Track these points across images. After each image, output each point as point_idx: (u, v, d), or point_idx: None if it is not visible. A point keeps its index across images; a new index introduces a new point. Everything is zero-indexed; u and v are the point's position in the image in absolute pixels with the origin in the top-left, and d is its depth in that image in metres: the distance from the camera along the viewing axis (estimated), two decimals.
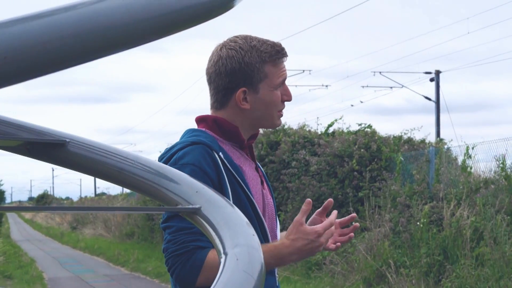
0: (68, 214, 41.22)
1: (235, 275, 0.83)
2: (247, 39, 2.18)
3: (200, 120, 2.24)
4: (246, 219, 0.98)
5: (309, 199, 2.14)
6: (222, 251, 0.90)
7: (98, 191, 56.41)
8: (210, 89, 2.23)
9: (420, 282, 9.12)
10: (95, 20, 0.75)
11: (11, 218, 59.14)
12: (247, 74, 2.15)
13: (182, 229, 2.01)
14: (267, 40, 2.19)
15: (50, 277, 14.79)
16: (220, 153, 2.12)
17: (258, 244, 0.91)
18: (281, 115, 2.24)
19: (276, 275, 2.26)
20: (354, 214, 2.42)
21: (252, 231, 0.95)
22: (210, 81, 2.21)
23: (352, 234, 2.34)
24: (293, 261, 2.12)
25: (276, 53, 2.17)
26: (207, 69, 2.21)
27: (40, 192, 78.16)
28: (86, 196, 55.27)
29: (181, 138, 2.22)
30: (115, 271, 16.04)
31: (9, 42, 0.70)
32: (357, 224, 2.40)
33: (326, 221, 2.13)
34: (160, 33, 0.83)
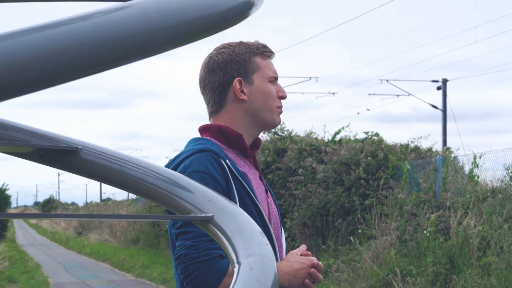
0: (73, 219, 41.27)
1: (249, 284, 0.83)
2: (231, 41, 2.27)
3: (203, 129, 2.25)
4: (259, 228, 0.98)
5: (304, 245, 2.24)
6: (235, 260, 0.90)
7: (103, 197, 56.48)
8: (205, 95, 2.25)
9: None
10: (113, 29, 0.75)
11: (17, 222, 59.25)
12: (240, 63, 2.20)
13: (202, 236, 2.01)
14: (252, 40, 2.29)
15: (55, 282, 14.80)
16: (227, 160, 2.13)
17: (271, 253, 0.91)
18: (281, 112, 2.27)
19: None
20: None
21: (265, 240, 0.95)
22: (205, 85, 2.23)
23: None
24: (287, 283, 2.14)
25: (262, 47, 2.24)
26: (200, 77, 2.26)
27: (46, 197, 78.27)
28: (91, 202, 55.32)
29: (186, 147, 2.23)
30: (120, 277, 16.03)
31: (28, 50, 0.70)
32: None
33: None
34: (177, 42, 0.83)
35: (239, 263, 0.89)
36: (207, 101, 2.25)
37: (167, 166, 2.19)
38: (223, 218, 1.02)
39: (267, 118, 2.23)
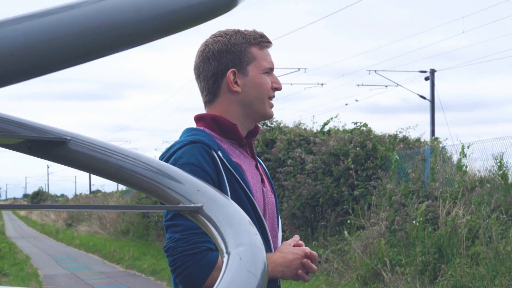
0: (63, 211, 41.17)
1: (238, 274, 0.83)
2: (230, 28, 2.23)
3: (198, 118, 2.24)
4: (248, 218, 0.98)
5: (297, 236, 2.25)
6: (224, 250, 0.90)
7: (93, 189, 56.36)
8: (199, 83, 2.23)
9: (415, 281, 9.14)
10: (101, 18, 0.75)
11: (6, 215, 59.06)
12: (235, 54, 2.17)
13: (191, 228, 2.00)
14: (249, 29, 2.25)
15: (45, 274, 14.78)
16: (219, 152, 2.12)
17: (261, 243, 0.91)
18: (272, 105, 2.24)
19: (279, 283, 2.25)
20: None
21: (254, 230, 0.95)
22: (199, 72, 2.21)
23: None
24: (279, 274, 2.14)
25: (260, 36, 2.21)
26: (195, 64, 2.23)
27: (35, 189, 78.01)
28: (81, 194, 55.21)
29: (180, 137, 2.21)
30: (110, 269, 16.02)
31: (15, 39, 0.70)
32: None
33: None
34: (165, 31, 0.83)
35: (228, 253, 0.89)
36: (201, 90, 2.23)
37: (162, 155, 2.18)
38: (212, 208, 1.02)
39: (260, 110, 2.21)
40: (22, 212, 65.77)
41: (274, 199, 2.29)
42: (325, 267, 11.00)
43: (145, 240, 20.31)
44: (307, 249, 2.16)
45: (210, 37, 2.21)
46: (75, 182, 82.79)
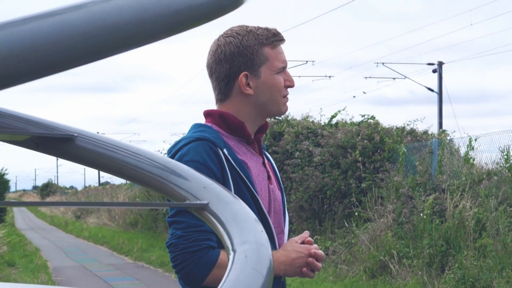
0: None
1: (244, 272, 0.83)
2: (242, 26, 2.20)
3: (207, 114, 2.23)
4: (254, 216, 0.98)
5: (307, 232, 2.24)
6: (230, 247, 0.90)
7: (102, 181, 56.50)
8: (212, 81, 2.22)
9: (422, 273, 9.14)
10: (106, 19, 0.76)
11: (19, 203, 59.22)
12: (247, 57, 2.15)
13: (192, 226, 2.00)
14: (262, 26, 2.22)
15: (54, 266, 14.85)
16: (225, 150, 2.12)
17: (266, 240, 0.91)
18: (287, 101, 2.23)
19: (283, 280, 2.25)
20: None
21: (260, 227, 0.96)
22: (212, 72, 2.20)
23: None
24: (282, 272, 2.14)
25: (272, 35, 2.18)
26: (207, 62, 2.21)
27: (45, 181, 78.27)
28: (90, 186, 55.37)
29: (188, 132, 2.21)
30: (119, 260, 16.09)
31: (21, 40, 0.70)
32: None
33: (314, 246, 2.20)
34: (171, 31, 0.83)
35: (234, 251, 0.89)
36: (214, 88, 2.22)
37: (170, 150, 2.18)
38: (218, 206, 1.02)
39: (273, 110, 2.20)
40: None
41: (280, 196, 2.28)
42: (332, 259, 11.01)
43: (153, 232, 20.37)
44: (312, 248, 2.15)
45: (222, 36, 2.18)
46: (84, 174, 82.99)
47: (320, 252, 2.17)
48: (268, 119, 2.36)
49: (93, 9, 0.76)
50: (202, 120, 2.26)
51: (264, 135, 12.05)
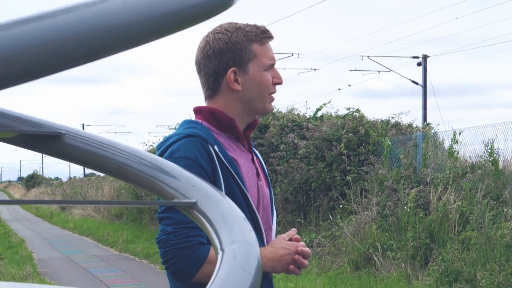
0: (57, 194, 41.17)
1: (232, 272, 0.84)
2: (231, 23, 2.21)
3: (197, 111, 2.24)
4: (242, 215, 0.99)
5: (294, 229, 2.25)
6: (219, 247, 0.91)
7: (87, 172, 56.28)
8: (200, 78, 2.23)
9: (406, 265, 9.20)
10: (97, 21, 0.76)
11: (1, 197, 58.93)
12: (235, 53, 2.16)
13: (183, 222, 2.01)
14: (251, 23, 2.23)
15: (39, 258, 14.80)
16: (215, 147, 2.12)
17: (255, 240, 0.92)
18: (273, 99, 2.24)
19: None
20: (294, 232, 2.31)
21: (249, 226, 0.96)
22: (200, 68, 2.21)
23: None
24: (270, 268, 2.15)
25: (261, 32, 2.20)
26: (196, 59, 2.22)
27: (30, 172, 77.90)
28: (75, 177, 55.12)
29: (178, 129, 2.22)
30: (104, 252, 16.06)
31: (11, 43, 0.71)
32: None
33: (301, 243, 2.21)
34: (161, 33, 0.84)
35: (222, 250, 0.90)
36: (202, 85, 2.23)
37: (159, 145, 2.18)
38: (206, 204, 1.03)
39: (259, 107, 2.22)
40: (17, 195, 65.73)
41: (269, 193, 2.30)
42: (317, 251, 11.05)
43: (138, 223, 20.35)
44: (300, 245, 2.17)
45: (211, 32, 2.20)
46: (69, 166, 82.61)
47: (307, 249, 2.18)
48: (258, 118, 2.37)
49: (83, 12, 0.76)
50: (188, 113, 2.27)
51: None
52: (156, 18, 0.81)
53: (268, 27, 2.28)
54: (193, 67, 2.26)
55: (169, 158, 2.07)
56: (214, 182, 2.07)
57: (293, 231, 2.23)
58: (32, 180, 66.06)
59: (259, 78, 2.19)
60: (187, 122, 2.21)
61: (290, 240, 2.20)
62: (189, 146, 2.09)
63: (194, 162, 2.06)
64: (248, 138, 2.26)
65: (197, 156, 2.08)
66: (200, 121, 2.21)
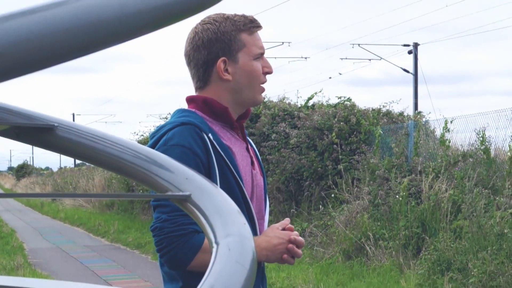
0: (48, 184, 41.08)
1: (227, 266, 0.84)
2: (219, 13, 2.22)
3: (190, 100, 2.23)
4: (237, 207, 0.99)
5: (288, 219, 2.26)
6: (213, 240, 0.91)
7: (77, 162, 56.15)
8: (190, 69, 2.22)
9: (398, 255, 9.23)
10: (89, 15, 0.75)
11: None
12: (225, 43, 2.16)
13: (178, 210, 2.00)
14: (239, 13, 2.24)
15: (30, 248, 14.78)
16: (210, 134, 2.12)
17: (249, 233, 0.92)
18: (263, 90, 2.24)
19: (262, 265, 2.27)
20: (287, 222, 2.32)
21: (243, 219, 0.96)
22: (190, 60, 2.20)
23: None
24: (264, 258, 2.16)
25: (249, 22, 2.20)
26: (185, 50, 2.22)
27: (20, 162, 77.65)
28: (65, 167, 55.02)
29: (171, 117, 2.21)
30: (95, 242, 16.05)
31: (3, 37, 0.70)
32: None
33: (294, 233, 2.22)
34: (154, 26, 0.83)
35: (217, 243, 0.90)
36: (192, 76, 2.23)
37: (153, 134, 2.18)
38: (200, 197, 1.02)
39: (249, 96, 2.21)
40: (7, 185, 65.53)
41: (262, 182, 2.30)
42: (309, 240, 11.08)
43: (129, 213, 20.33)
44: (293, 234, 2.17)
45: (199, 23, 2.20)
46: (60, 156, 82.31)
47: (300, 238, 2.19)
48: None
49: (76, 5, 0.75)
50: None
51: None
52: (149, 11, 0.80)
53: (258, 16, 2.29)
54: (183, 57, 2.26)
55: (163, 146, 2.06)
56: (209, 170, 2.06)
57: (286, 221, 2.24)
58: (23, 170, 65.89)
59: (249, 68, 2.19)
60: (180, 111, 2.21)
61: (284, 229, 2.20)
62: (183, 134, 2.08)
63: (189, 150, 2.06)
64: (242, 127, 2.26)
65: (192, 144, 2.07)
66: (193, 110, 2.20)
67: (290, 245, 2.16)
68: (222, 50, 2.16)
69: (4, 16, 0.72)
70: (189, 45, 2.20)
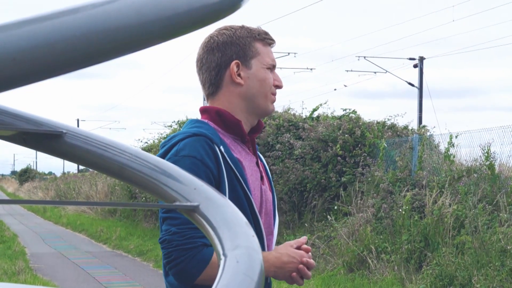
0: (51, 189, 41.10)
1: (235, 278, 0.83)
2: (234, 24, 2.23)
3: (203, 110, 2.23)
4: (245, 219, 0.98)
5: (305, 237, 2.24)
6: (221, 252, 0.90)
7: (81, 167, 56.19)
8: (201, 75, 2.21)
9: (400, 269, 9.20)
10: (104, 22, 0.75)
11: None
12: (239, 46, 2.17)
13: (187, 223, 1.99)
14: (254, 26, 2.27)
15: (32, 253, 14.76)
16: (221, 147, 2.11)
17: (258, 245, 0.91)
18: (274, 100, 2.24)
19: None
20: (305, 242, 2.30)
21: (251, 232, 0.95)
22: (202, 63, 2.20)
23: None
24: (271, 274, 2.13)
25: (264, 33, 2.22)
26: (198, 55, 2.21)
27: (23, 166, 77.74)
28: (69, 172, 55.04)
29: (183, 127, 2.20)
30: (97, 248, 16.03)
31: (17, 43, 0.70)
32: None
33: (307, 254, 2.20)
34: (168, 36, 0.83)
35: (225, 255, 0.89)
36: (203, 82, 2.21)
37: (164, 144, 2.16)
38: (208, 208, 1.02)
39: (261, 105, 2.20)
40: (10, 189, 65.56)
41: (272, 197, 2.28)
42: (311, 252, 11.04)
43: (132, 220, 20.31)
44: (306, 256, 2.15)
45: (215, 30, 2.22)
46: (63, 161, 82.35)
47: (312, 261, 2.16)
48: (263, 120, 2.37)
49: (89, 12, 0.75)
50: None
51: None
52: (163, 20, 0.80)
53: (264, 26, 2.32)
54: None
55: (174, 156, 2.05)
56: (219, 182, 2.05)
57: (303, 239, 2.21)
58: (26, 175, 65.93)
59: (261, 75, 2.19)
60: (193, 122, 2.20)
61: (299, 248, 2.18)
62: (195, 145, 2.07)
63: (200, 161, 2.05)
64: (253, 141, 2.24)
65: (203, 155, 2.06)
66: (206, 121, 2.19)
67: (301, 266, 2.14)
68: (236, 54, 2.17)
69: (19, 22, 0.72)
70: (202, 49, 2.20)
